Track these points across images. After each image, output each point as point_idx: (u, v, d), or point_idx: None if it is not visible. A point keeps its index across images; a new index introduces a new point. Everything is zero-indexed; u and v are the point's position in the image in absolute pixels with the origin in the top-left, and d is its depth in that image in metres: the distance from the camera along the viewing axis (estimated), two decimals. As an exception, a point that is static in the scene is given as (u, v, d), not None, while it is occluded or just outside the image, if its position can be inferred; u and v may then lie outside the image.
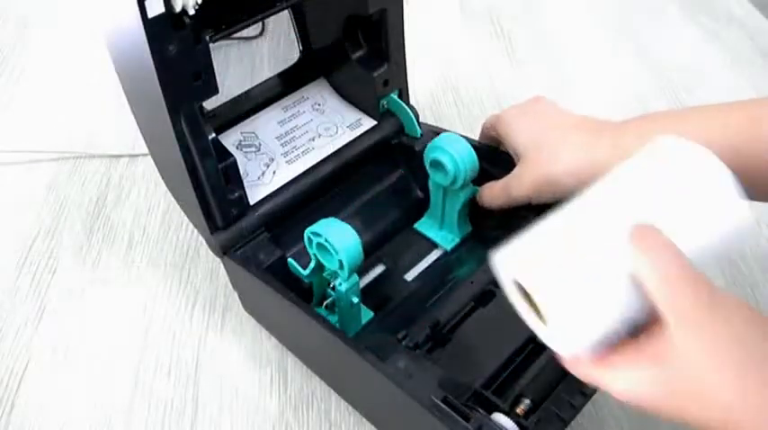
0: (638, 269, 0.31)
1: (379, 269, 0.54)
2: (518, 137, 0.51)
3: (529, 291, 0.32)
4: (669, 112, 0.47)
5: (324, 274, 0.46)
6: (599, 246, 0.32)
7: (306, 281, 0.47)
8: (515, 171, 0.50)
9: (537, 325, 0.35)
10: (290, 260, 0.47)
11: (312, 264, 0.46)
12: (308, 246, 0.46)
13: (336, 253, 0.43)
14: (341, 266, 0.44)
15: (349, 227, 0.44)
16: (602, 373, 0.33)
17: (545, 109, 0.52)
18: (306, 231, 0.45)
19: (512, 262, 0.34)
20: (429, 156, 0.51)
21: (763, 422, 0.28)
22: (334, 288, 0.46)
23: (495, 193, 0.52)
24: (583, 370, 0.34)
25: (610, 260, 0.31)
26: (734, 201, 0.31)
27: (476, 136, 0.57)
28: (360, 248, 0.44)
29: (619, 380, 0.32)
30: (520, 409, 0.41)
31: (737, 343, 0.29)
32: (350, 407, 0.50)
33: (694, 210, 0.31)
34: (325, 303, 0.46)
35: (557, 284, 0.32)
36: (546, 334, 0.34)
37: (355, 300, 0.46)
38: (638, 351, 0.32)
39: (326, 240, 0.43)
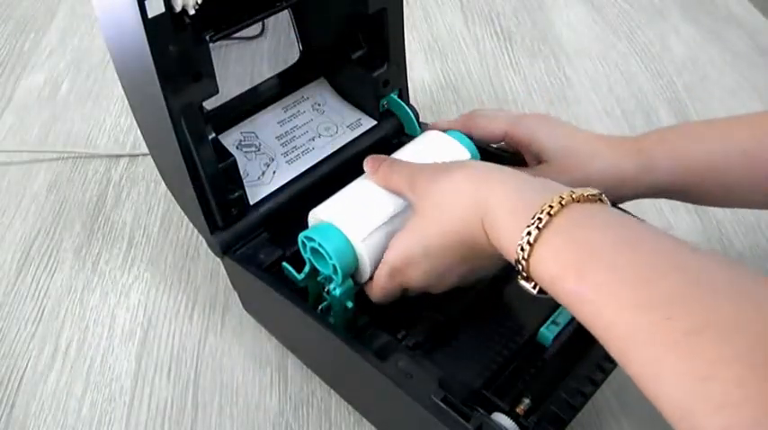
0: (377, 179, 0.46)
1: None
2: (547, 141, 0.51)
3: (333, 222, 0.45)
4: (686, 125, 0.51)
5: (318, 279, 0.46)
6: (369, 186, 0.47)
7: (300, 285, 0.47)
8: (545, 175, 0.50)
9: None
10: (284, 264, 0.47)
11: (306, 269, 0.46)
12: (302, 251, 0.45)
13: (330, 258, 0.43)
14: (335, 271, 0.44)
15: (342, 232, 0.44)
16: (387, 259, 0.43)
17: (565, 122, 0.53)
18: (299, 235, 0.45)
19: (320, 211, 0.46)
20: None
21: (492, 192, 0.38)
22: (328, 292, 0.46)
23: None
24: (380, 273, 0.44)
25: (371, 187, 0.47)
26: (459, 148, 0.50)
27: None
28: (354, 253, 0.44)
29: (396, 248, 0.43)
30: (520, 409, 0.41)
31: (460, 186, 0.40)
32: (350, 407, 0.50)
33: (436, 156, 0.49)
34: (319, 307, 0.46)
35: (346, 208, 0.46)
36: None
37: (350, 304, 0.45)
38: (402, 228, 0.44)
39: (320, 245, 0.43)
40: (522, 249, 0.34)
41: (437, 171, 0.43)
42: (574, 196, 0.35)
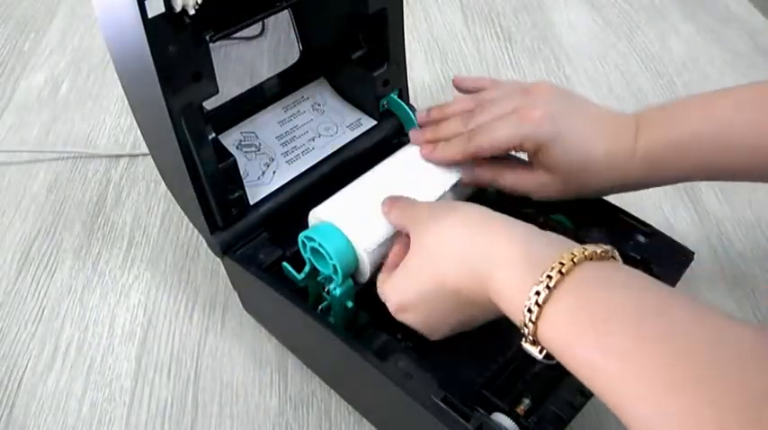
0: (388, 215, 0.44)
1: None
2: (562, 157, 0.46)
3: (334, 223, 0.45)
4: (679, 113, 0.46)
5: (318, 279, 0.46)
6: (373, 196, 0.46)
7: (300, 285, 0.47)
8: (554, 180, 0.47)
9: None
10: (284, 264, 0.47)
11: (306, 269, 0.46)
12: (302, 251, 0.45)
13: (330, 258, 0.43)
14: (335, 271, 0.44)
15: (342, 232, 0.44)
16: (385, 299, 0.42)
17: (577, 107, 0.48)
18: (300, 235, 0.45)
19: (320, 211, 0.46)
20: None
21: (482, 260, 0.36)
22: (328, 292, 0.46)
23: (520, 181, 0.49)
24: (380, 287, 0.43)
25: (373, 188, 0.47)
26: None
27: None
28: (354, 253, 0.44)
29: (390, 293, 0.41)
30: (520, 409, 0.41)
31: (455, 229, 0.38)
32: (350, 407, 0.50)
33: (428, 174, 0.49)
34: (320, 307, 0.46)
35: (349, 211, 0.46)
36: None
37: (350, 304, 0.45)
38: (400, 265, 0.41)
39: (320, 245, 0.43)
40: (530, 310, 0.31)
41: (436, 209, 0.41)
42: (586, 253, 0.32)
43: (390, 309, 0.42)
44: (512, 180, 0.49)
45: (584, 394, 0.42)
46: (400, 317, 0.42)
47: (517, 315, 0.32)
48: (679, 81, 0.79)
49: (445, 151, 0.49)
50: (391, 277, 0.42)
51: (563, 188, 0.48)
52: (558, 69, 0.81)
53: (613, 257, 0.34)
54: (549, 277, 0.31)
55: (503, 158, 0.49)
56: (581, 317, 0.30)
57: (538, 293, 0.31)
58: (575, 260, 0.31)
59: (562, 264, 0.31)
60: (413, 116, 0.58)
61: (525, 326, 0.32)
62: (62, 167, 0.70)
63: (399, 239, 0.44)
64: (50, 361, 0.54)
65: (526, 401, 0.41)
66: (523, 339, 0.33)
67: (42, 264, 0.61)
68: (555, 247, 0.33)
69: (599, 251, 0.33)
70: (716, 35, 0.86)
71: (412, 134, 0.52)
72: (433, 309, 0.40)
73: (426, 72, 0.81)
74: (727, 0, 0.92)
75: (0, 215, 0.65)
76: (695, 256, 0.48)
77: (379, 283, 0.44)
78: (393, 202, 0.45)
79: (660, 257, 0.47)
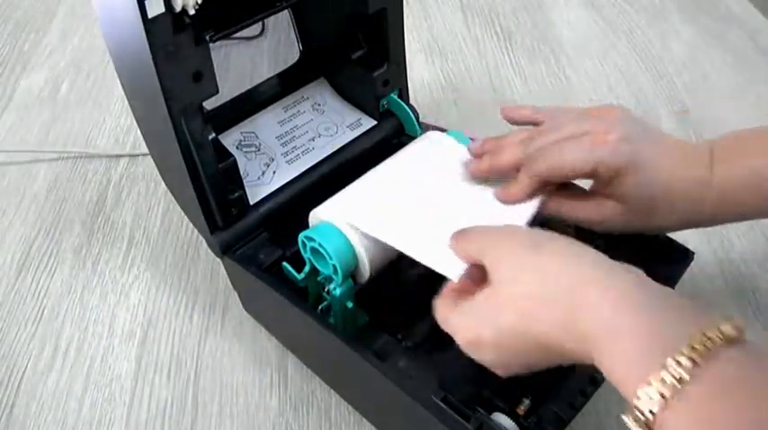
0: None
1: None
2: (635, 189, 0.42)
3: (334, 222, 0.44)
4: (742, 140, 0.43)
5: (318, 279, 0.46)
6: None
7: (300, 285, 0.47)
8: (623, 210, 0.43)
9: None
10: (284, 264, 0.47)
11: (306, 269, 0.46)
12: (302, 251, 0.45)
13: (330, 258, 0.43)
14: (335, 271, 0.44)
15: (342, 232, 0.44)
16: (454, 334, 0.37)
17: (650, 133, 0.43)
18: (300, 235, 0.45)
19: (320, 211, 0.45)
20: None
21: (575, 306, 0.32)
22: (328, 292, 0.46)
23: (582, 212, 0.45)
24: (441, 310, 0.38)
25: (373, 188, 0.48)
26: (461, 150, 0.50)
27: (475, 135, 0.56)
28: (354, 253, 0.44)
29: (463, 326, 0.37)
30: (520, 409, 0.41)
31: (557, 273, 0.34)
32: (350, 407, 0.50)
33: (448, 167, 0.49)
34: (320, 307, 0.46)
35: (348, 210, 0.45)
36: None
37: (350, 304, 0.45)
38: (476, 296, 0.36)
39: (320, 245, 0.43)
40: (651, 398, 0.27)
41: (517, 238, 0.36)
42: (722, 335, 0.27)
43: (459, 343, 0.37)
44: (573, 210, 0.45)
45: (585, 394, 0.42)
46: (471, 352, 0.37)
47: (629, 395, 0.28)
48: (679, 81, 0.79)
49: (510, 189, 0.45)
50: (462, 308, 0.37)
51: (630, 220, 0.44)
52: (558, 69, 0.81)
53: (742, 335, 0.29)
54: (679, 363, 0.27)
55: (562, 186, 0.45)
56: (726, 425, 0.26)
57: (663, 381, 0.27)
58: (707, 345, 0.27)
59: (693, 348, 0.27)
60: (413, 116, 0.58)
61: (640, 411, 0.28)
62: (62, 167, 0.70)
63: (469, 269, 0.39)
64: (50, 361, 0.54)
65: (526, 401, 0.41)
66: (629, 418, 0.28)
67: (42, 264, 0.61)
68: (684, 322, 0.29)
69: (733, 332, 0.28)
70: (716, 35, 0.86)
71: (471, 167, 0.47)
72: (514, 352, 0.35)
73: (426, 72, 0.81)
74: (727, 0, 0.92)
75: (0, 215, 0.65)
76: (695, 256, 0.48)
77: (440, 312, 0.39)
78: (462, 234, 0.39)
79: (660, 257, 0.47)
